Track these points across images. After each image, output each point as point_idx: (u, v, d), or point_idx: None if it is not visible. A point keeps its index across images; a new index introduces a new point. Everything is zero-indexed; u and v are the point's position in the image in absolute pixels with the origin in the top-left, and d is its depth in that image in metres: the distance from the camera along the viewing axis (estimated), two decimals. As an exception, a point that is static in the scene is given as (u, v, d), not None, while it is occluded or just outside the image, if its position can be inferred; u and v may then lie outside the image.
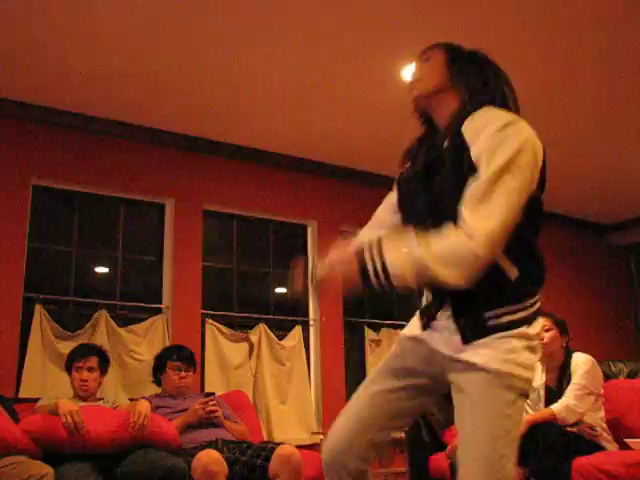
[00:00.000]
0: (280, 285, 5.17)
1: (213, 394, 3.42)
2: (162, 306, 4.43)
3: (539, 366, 3.38)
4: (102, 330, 4.04)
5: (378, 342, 5.26)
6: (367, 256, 1.41)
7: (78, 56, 3.61)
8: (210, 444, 3.12)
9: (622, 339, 6.60)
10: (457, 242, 1.35)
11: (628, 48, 3.63)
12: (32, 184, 4.13)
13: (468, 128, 1.47)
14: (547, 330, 3.28)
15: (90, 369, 3.24)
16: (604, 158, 5.26)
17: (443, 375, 1.51)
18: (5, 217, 3.95)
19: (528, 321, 1.45)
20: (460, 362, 1.45)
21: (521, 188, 1.38)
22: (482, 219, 1.35)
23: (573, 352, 3.29)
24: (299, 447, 3.18)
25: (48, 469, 2.60)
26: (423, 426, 3.68)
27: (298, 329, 4.91)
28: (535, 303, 1.49)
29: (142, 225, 4.70)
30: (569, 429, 3.08)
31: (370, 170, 5.27)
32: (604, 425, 3.21)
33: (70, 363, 3.28)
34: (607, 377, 3.66)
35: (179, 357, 3.56)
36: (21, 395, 3.66)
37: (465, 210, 1.37)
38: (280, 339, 4.80)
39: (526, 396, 1.46)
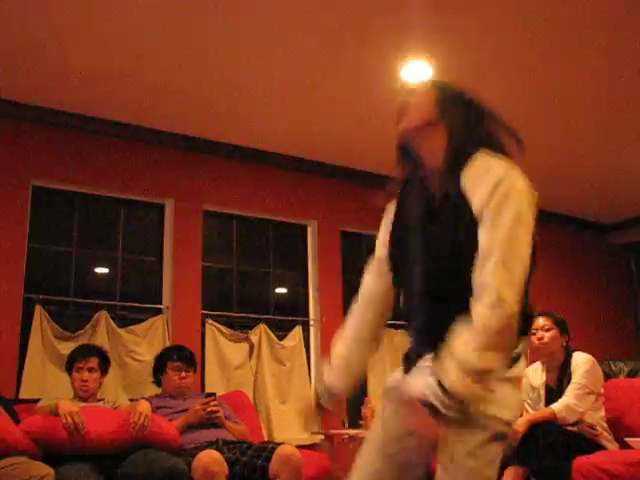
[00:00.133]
0: (280, 285, 5.17)
1: (214, 394, 3.42)
2: (162, 306, 4.42)
3: (539, 365, 3.39)
4: (102, 331, 4.04)
5: (378, 342, 5.25)
6: (435, 403, 1.36)
7: (78, 56, 3.61)
8: (210, 444, 3.12)
9: (622, 338, 6.60)
10: (490, 325, 1.35)
11: (628, 48, 3.62)
12: (32, 184, 4.12)
13: (466, 180, 1.48)
14: (547, 330, 3.28)
15: (90, 370, 3.24)
16: (604, 158, 5.25)
17: None
18: (5, 217, 3.94)
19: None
20: None
21: (530, 240, 1.42)
22: (506, 284, 1.36)
23: (573, 351, 3.29)
24: (299, 447, 3.17)
25: (48, 470, 2.60)
26: None
27: (298, 329, 4.90)
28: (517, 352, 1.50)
29: (142, 225, 4.69)
30: (569, 428, 3.08)
31: (370, 170, 5.26)
32: (604, 424, 3.21)
33: (70, 364, 3.28)
34: (607, 376, 3.67)
35: (179, 357, 3.56)
36: (21, 396, 3.66)
37: (485, 277, 1.38)
38: (280, 339, 4.80)
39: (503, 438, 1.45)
